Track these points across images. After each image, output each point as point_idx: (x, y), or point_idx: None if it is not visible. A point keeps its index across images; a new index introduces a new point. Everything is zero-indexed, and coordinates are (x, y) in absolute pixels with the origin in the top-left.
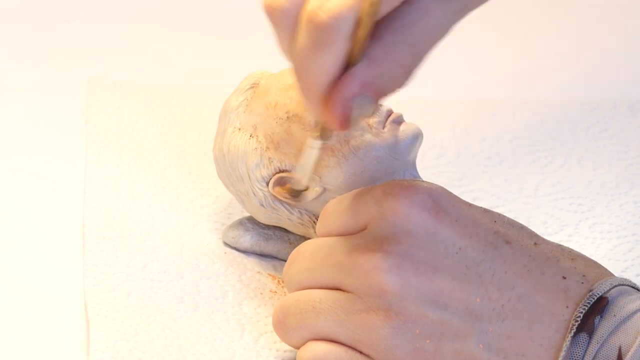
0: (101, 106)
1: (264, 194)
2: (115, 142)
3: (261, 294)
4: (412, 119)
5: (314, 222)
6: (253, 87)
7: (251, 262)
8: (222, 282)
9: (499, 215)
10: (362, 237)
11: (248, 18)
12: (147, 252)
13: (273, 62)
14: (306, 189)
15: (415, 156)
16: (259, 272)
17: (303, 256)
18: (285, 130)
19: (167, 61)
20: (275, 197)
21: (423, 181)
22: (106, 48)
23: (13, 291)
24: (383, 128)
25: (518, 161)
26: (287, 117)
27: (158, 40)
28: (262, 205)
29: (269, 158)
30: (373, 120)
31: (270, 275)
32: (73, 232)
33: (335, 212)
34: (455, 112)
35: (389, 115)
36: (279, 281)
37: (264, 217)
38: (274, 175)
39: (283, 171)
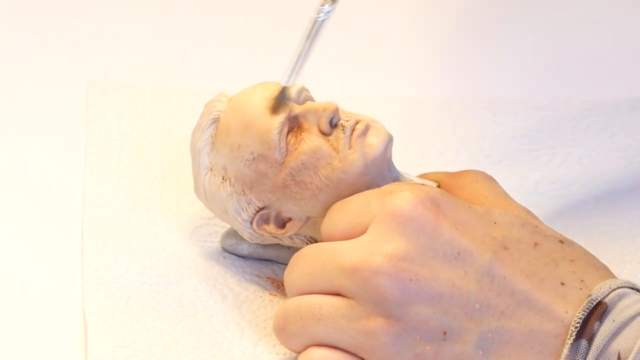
0: (100, 109)
1: (250, 233)
2: (115, 145)
3: (260, 297)
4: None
5: (307, 242)
6: (214, 122)
7: (250, 266)
8: (221, 286)
9: (500, 214)
10: (362, 241)
11: (247, 18)
12: (146, 255)
13: (272, 61)
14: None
15: (391, 155)
16: (258, 275)
17: (303, 261)
18: (253, 170)
19: (165, 63)
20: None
21: (423, 184)
22: (105, 50)
23: (11, 296)
24: (350, 148)
25: (518, 159)
26: (253, 158)
27: (157, 42)
28: (252, 239)
29: (247, 201)
30: (338, 144)
31: (269, 279)
32: (72, 235)
33: (338, 213)
34: (455, 112)
35: (353, 130)
36: (278, 285)
37: (258, 242)
38: (255, 214)
39: (263, 208)
